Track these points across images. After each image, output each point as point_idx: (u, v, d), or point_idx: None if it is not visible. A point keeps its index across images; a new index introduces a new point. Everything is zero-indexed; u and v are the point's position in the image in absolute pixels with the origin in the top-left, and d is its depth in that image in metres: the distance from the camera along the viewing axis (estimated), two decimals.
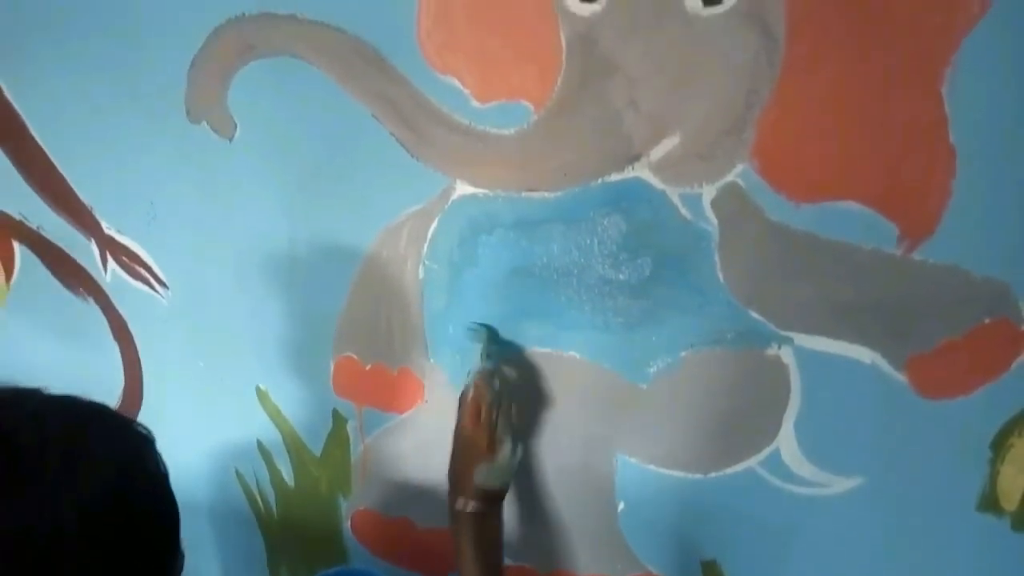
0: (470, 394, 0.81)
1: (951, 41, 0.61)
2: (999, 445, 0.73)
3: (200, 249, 0.95)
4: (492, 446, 0.81)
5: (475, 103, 0.75)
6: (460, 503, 0.81)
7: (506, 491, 0.84)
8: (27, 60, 0.91)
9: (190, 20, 0.81)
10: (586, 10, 0.68)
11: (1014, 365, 0.70)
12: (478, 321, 0.85)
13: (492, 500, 0.82)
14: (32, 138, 0.95)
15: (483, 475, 0.80)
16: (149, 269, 0.98)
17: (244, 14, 0.79)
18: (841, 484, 0.79)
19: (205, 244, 0.94)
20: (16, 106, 0.94)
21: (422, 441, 0.96)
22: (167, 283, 0.99)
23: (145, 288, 1.00)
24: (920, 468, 0.77)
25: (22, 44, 0.90)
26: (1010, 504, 0.76)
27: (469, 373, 0.83)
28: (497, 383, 0.82)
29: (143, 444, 0.58)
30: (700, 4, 0.65)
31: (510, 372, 0.86)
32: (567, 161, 0.75)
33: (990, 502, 0.76)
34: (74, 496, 0.49)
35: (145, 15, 0.82)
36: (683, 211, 0.73)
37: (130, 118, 0.89)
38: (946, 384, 0.73)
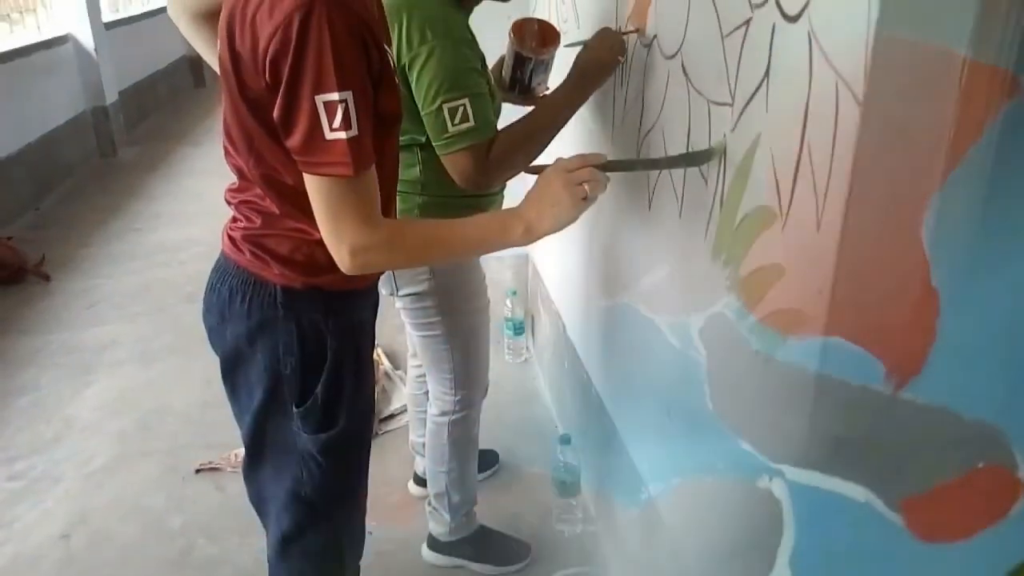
0: None
1: (927, 189, 0.63)
2: None
3: None
4: None
5: None
6: None
7: None
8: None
9: None
10: None
11: (1012, 512, 0.68)
12: None
13: None
14: None
15: None
16: None
17: None
18: None
19: None
20: None
21: None
22: None
23: None
24: None
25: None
26: None
27: None
28: None
29: None
30: None
31: None
32: None
33: None
34: None
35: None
36: (672, 339, 0.75)
37: None
38: (943, 528, 0.70)
